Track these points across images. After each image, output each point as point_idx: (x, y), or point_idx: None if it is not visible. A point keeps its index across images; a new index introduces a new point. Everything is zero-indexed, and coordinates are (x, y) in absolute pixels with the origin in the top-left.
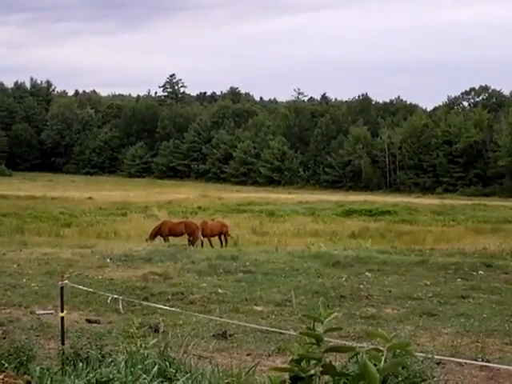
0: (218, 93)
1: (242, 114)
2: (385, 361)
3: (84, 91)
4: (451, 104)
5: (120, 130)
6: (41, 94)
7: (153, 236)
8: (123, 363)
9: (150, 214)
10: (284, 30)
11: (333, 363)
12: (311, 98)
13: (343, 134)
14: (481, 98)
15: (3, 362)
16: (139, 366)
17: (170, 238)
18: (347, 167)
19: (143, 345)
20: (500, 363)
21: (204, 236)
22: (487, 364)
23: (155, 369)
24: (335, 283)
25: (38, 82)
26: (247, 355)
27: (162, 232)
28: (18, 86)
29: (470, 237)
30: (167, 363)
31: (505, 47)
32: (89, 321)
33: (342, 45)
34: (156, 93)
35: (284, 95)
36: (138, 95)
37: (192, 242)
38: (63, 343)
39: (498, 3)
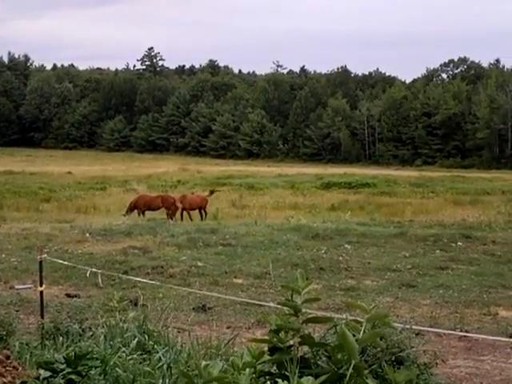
0: (197, 66)
1: (220, 87)
2: (364, 332)
3: (62, 65)
4: (430, 76)
5: (98, 103)
6: (19, 68)
7: (130, 210)
8: (102, 337)
9: (129, 188)
10: (263, 2)
11: (311, 334)
12: (290, 70)
13: (322, 107)
14: (459, 69)
15: None
16: (118, 340)
17: (149, 212)
18: (326, 140)
19: (122, 318)
20: (479, 333)
21: (183, 209)
22: (466, 334)
23: (134, 342)
24: (314, 255)
25: (16, 56)
26: (227, 328)
27: (139, 206)
28: None
29: (448, 208)
30: (146, 336)
31: (483, 19)
32: (68, 295)
33: (321, 17)
34: (134, 66)
35: (263, 68)
36: (117, 69)
37: (170, 216)
38: (43, 317)
39: None
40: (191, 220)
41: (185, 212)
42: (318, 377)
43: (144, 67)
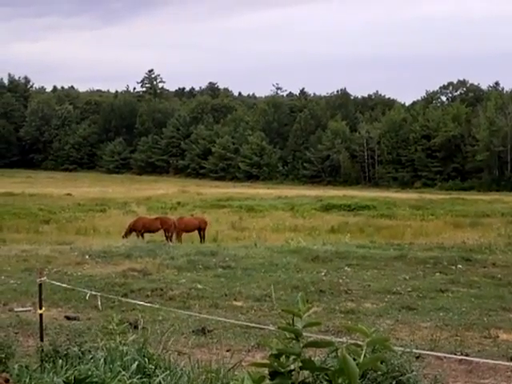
0: (197, 88)
1: (220, 109)
2: (364, 356)
3: (62, 87)
4: (429, 98)
5: (99, 125)
6: (19, 90)
7: (128, 232)
8: (102, 360)
9: (128, 210)
10: (263, 24)
11: (312, 358)
12: (290, 93)
13: (322, 129)
14: (459, 92)
15: None
16: (118, 363)
17: (148, 234)
18: (326, 162)
19: (122, 341)
20: (479, 357)
21: (179, 231)
22: (466, 358)
23: (134, 365)
24: (314, 278)
25: (16, 78)
26: (227, 351)
27: (137, 228)
28: None
29: (448, 231)
30: (146, 359)
31: (482, 41)
32: (68, 317)
33: (320, 40)
34: (134, 88)
35: (263, 90)
36: (117, 91)
37: (169, 238)
38: (42, 340)
39: None
40: (180, 243)
41: (185, 233)
42: None
43: (144, 89)
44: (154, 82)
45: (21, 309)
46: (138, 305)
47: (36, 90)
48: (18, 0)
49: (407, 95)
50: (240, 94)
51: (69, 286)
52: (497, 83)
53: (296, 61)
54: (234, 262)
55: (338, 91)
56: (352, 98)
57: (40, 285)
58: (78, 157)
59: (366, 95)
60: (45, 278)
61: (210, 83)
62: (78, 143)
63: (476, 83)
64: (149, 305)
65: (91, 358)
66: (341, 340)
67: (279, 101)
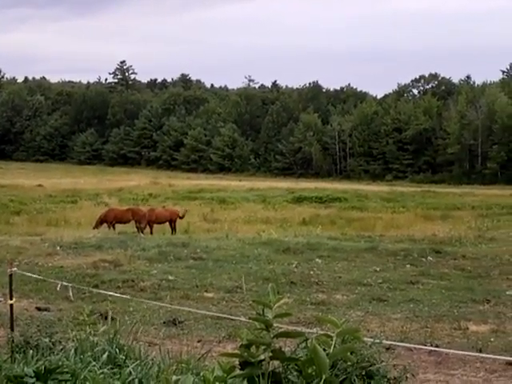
0: (169, 80)
1: (193, 101)
2: (334, 346)
3: (34, 78)
4: (401, 91)
5: (70, 116)
6: None
7: (99, 223)
8: (73, 351)
9: (100, 202)
10: (236, 16)
11: (282, 349)
12: (262, 85)
13: (294, 122)
14: (430, 85)
15: None
16: (89, 354)
17: (120, 225)
18: (298, 154)
19: (93, 332)
20: (449, 348)
21: (149, 222)
22: (436, 349)
23: (105, 356)
24: (286, 270)
25: None
26: (198, 342)
27: (108, 219)
28: None
29: (419, 223)
30: (117, 350)
31: (454, 35)
32: (39, 308)
33: (293, 32)
34: (106, 79)
35: (235, 82)
36: (89, 82)
37: (141, 229)
38: (12, 331)
39: None
40: (151, 234)
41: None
42: None
43: (116, 80)
44: (126, 74)
45: None
46: (109, 296)
47: (7, 81)
48: None
49: (379, 88)
50: (212, 85)
51: (40, 277)
52: (468, 77)
53: (269, 53)
54: (206, 253)
55: (310, 83)
56: (324, 90)
57: (10, 275)
58: (49, 148)
59: (338, 88)
60: (15, 268)
61: (183, 75)
62: (50, 134)
63: (447, 77)
64: (120, 296)
65: (62, 349)
66: (311, 331)
67: (251, 93)
